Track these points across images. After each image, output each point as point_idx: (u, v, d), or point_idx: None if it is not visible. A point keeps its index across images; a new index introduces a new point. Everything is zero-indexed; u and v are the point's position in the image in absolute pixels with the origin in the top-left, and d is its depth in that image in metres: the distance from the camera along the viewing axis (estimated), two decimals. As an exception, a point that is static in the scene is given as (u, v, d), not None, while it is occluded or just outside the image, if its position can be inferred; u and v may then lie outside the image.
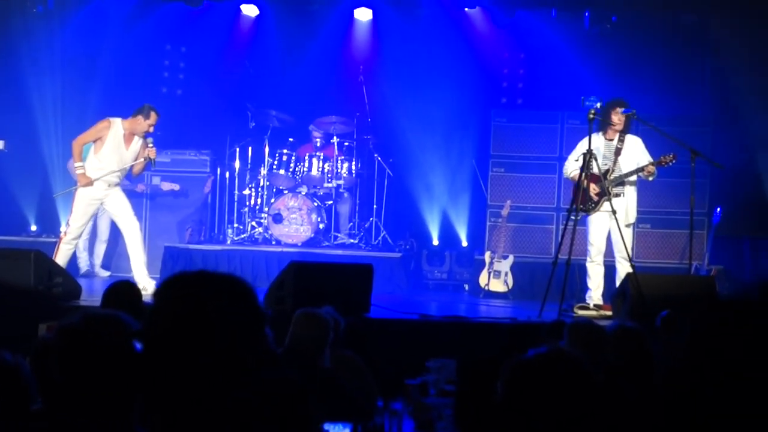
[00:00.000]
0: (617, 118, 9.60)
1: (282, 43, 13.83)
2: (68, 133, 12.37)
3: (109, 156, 10.03)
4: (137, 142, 10.20)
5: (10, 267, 8.18)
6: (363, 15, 13.55)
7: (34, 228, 13.07)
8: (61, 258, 9.71)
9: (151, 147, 10.20)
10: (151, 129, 10.21)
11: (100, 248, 12.23)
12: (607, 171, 9.60)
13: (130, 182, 11.48)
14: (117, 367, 2.60)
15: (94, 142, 10.08)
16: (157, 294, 2.51)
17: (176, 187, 12.07)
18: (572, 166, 9.80)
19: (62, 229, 10.67)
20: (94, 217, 10.99)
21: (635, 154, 9.67)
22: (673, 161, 9.36)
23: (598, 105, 9.23)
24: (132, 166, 10.24)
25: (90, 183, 9.89)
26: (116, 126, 10.09)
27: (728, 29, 12.23)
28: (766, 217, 12.15)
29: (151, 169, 11.23)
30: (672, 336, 5.88)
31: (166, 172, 12.48)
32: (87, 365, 2.61)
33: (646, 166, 9.43)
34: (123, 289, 5.90)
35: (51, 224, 12.91)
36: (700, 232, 11.35)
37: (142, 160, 10.25)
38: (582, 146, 9.54)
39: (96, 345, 2.63)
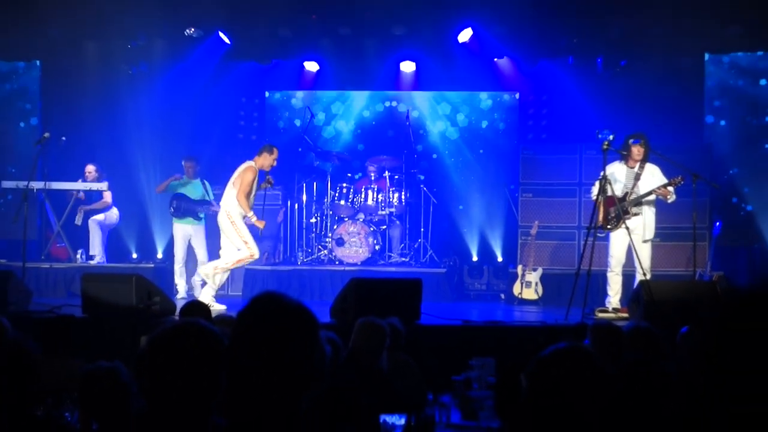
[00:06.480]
0: (635, 149, 9.57)
1: (339, 93, 13.99)
2: (161, 173, 12.67)
3: (253, 195, 10.06)
4: None
5: (115, 289, 8.28)
6: (408, 67, 13.59)
7: (134, 256, 13.23)
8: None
9: (270, 180, 10.27)
10: (275, 162, 10.10)
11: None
12: (626, 194, 9.54)
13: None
14: (200, 366, 2.60)
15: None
16: (241, 315, 2.53)
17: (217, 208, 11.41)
18: (594, 190, 9.77)
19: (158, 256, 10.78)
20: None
21: (653, 179, 9.60)
22: (681, 182, 9.29)
23: (611, 137, 9.18)
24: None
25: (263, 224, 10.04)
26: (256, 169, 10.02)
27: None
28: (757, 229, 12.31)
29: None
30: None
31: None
32: (173, 366, 2.61)
33: (659, 187, 9.35)
34: (196, 306, 6.05)
35: (149, 252, 13.12)
36: (702, 244, 11.26)
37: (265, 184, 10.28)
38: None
39: (180, 348, 2.63)
